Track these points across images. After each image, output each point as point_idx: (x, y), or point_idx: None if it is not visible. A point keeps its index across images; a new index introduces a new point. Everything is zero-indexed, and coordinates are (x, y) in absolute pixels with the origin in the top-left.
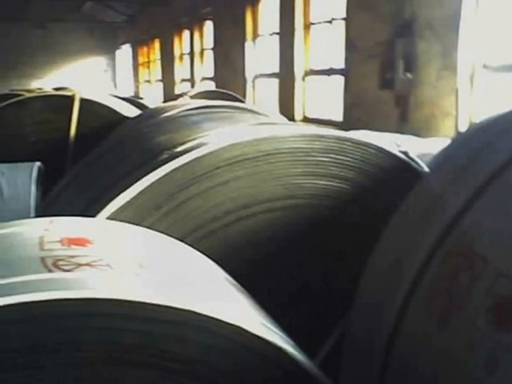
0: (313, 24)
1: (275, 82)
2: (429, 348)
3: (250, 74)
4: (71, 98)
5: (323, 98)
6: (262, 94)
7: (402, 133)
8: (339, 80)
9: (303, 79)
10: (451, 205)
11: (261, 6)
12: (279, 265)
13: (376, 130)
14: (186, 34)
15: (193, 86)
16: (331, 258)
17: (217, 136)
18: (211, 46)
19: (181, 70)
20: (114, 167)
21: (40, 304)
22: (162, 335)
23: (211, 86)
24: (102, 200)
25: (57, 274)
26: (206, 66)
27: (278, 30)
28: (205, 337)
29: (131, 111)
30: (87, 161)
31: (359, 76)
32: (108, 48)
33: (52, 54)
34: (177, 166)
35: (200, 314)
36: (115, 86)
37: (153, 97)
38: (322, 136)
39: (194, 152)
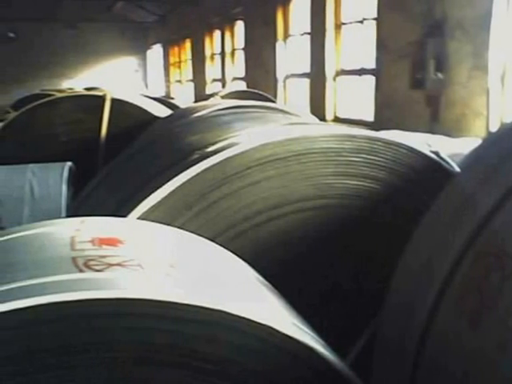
0: (344, 24)
1: (306, 82)
2: (460, 348)
3: (281, 73)
4: (102, 98)
5: (354, 97)
6: (293, 94)
7: (433, 133)
8: (370, 80)
9: (334, 79)
10: (482, 205)
11: (292, 6)
12: (310, 265)
13: (407, 129)
14: (217, 33)
15: (224, 85)
16: (362, 257)
17: (248, 136)
18: (242, 45)
19: (212, 69)
20: (145, 167)
21: (71, 304)
22: (193, 335)
23: (242, 86)
24: (133, 200)
25: (88, 274)
26: (236, 66)
27: (309, 30)
28: (236, 337)
29: (162, 111)
30: (118, 161)
31: (390, 76)
32: (139, 48)
33: (83, 53)
34: (208, 166)
35: (231, 314)
36: (146, 86)
37: (184, 97)
38: (353, 136)
39: (225, 152)
